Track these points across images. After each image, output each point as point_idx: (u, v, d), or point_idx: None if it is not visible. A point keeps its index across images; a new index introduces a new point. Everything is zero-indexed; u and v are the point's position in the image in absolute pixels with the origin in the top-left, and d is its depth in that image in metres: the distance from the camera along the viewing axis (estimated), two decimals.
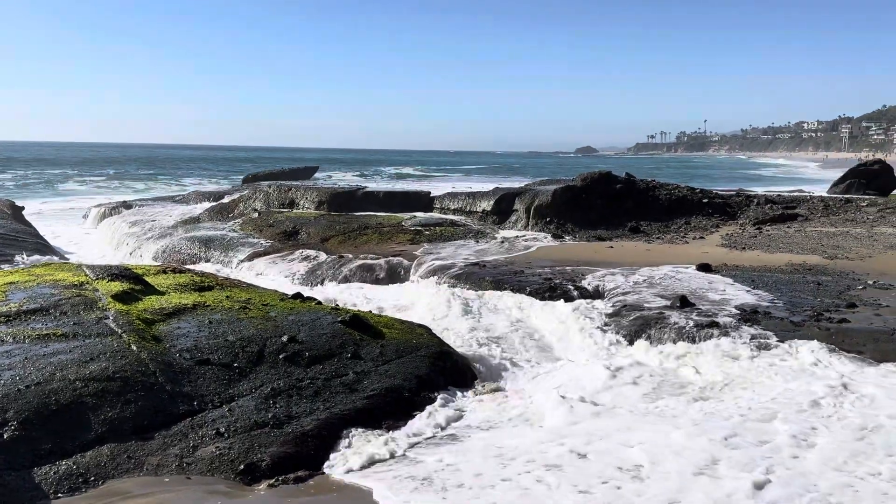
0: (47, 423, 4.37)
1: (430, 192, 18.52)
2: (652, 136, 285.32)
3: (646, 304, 8.31)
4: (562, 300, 8.82)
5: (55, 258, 11.59)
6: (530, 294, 9.10)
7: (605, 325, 7.91)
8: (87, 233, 18.67)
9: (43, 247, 13.13)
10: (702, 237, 13.70)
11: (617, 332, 7.69)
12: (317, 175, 40.45)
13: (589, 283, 9.50)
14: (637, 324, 7.71)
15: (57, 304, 6.30)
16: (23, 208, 17.41)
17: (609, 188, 15.95)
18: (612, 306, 8.57)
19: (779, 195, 19.89)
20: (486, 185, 20.32)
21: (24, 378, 4.72)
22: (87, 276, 7.51)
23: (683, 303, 8.15)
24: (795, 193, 21.94)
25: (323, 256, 12.50)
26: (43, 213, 22.29)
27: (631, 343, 7.42)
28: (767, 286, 8.97)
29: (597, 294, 9.14)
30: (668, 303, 8.29)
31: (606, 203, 15.50)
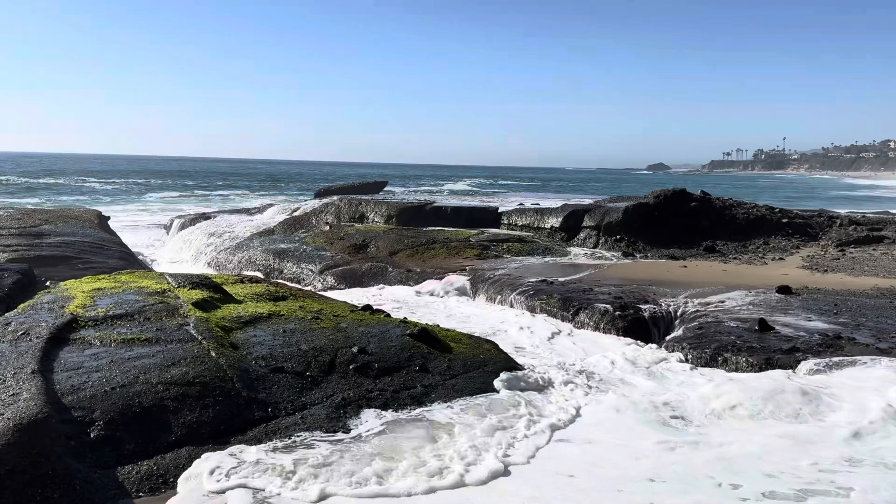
0: (130, 424, 4.55)
1: (497, 208, 18.52)
2: (728, 154, 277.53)
3: (721, 327, 8.06)
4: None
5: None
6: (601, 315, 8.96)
7: (675, 347, 7.71)
8: (168, 242, 19.44)
9: (127, 255, 13.74)
10: (781, 258, 13.23)
11: (687, 356, 7.48)
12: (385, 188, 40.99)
13: (661, 303, 9.29)
14: (712, 348, 7.48)
15: (141, 310, 6.58)
16: (108, 218, 18.25)
17: (683, 206, 15.61)
18: (685, 328, 8.36)
19: (863, 216, 19.01)
20: (555, 202, 20.18)
21: (110, 380, 4.93)
22: (169, 283, 7.83)
23: (762, 326, 7.88)
24: (882, 215, 20.92)
25: (391, 270, 12.65)
26: (127, 223, 23.31)
27: (704, 367, 7.21)
28: (851, 311, 8.58)
29: (669, 315, 8.92)
30: (746, 326, 8.02)
31: (680, 221, 15.16)
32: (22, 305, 6.72)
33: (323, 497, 4.12)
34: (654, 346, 8.10)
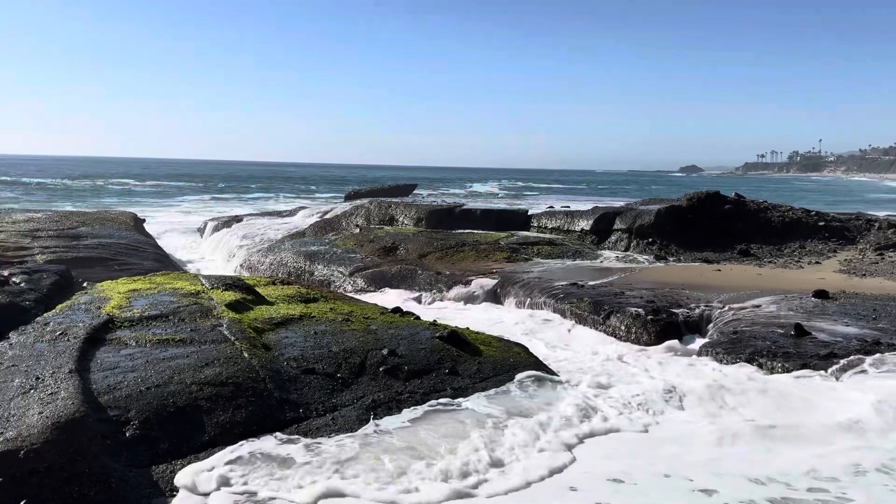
0: (165, 423, 4.61)
1: (527, 210, 18.46)
2: (762, 156, 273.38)
3: (756, 332, 7.92)
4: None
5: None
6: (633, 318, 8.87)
7: (708, 352, 7.60)
8: (201, 244, 19.72)
9: (162, 257, 13.97)
10: (818, 262, 12.97)
11: (721, 360, 7.36)
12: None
13: (694, 307, 9.16)
14: (746, 352, 7.35)
15: (175, 311, 6.68)
16: (144, 220, 18.58)
17: (717, 209, 15.39)
18: (719, 332, 8.23)
19: None
20: (584, 205, 20.05)
21: (146, 380, 5.01)
22: (203, 285, 7.93)
23: (798, 331, 7.72)
24: None
25: (420, 272, 12.66)
26: (160, 225, 23.69)
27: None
28: (891, 316, 8.37)
29: (703, 319, 8.80)
30: (782, 331, 7.87)
31: (714, 224, 14.95)
32: (60, 306, 6.86)
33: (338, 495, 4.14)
34: (686, 350, 7.99)
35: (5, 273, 7.33)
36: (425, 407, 5.51)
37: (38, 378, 4.78)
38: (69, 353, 5.30)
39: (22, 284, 7.05)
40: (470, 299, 11.22)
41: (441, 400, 5.67)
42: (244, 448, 4.55)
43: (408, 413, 5.39)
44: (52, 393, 4.52)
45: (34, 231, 13.56)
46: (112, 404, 4.64)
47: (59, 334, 5.79)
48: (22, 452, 3.83)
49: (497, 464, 4.67)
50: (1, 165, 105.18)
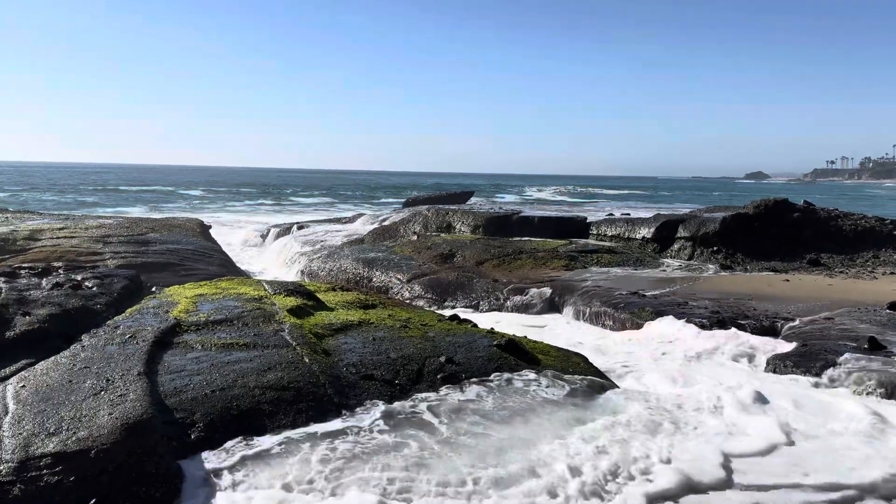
0: (228, 426, 4.70)
1: (585, 218, 18.21)
2: (832, 162, 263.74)
3: (827, 345, 7.60)
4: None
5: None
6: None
7: (777, 366, 7.33)
8: (265, 250, 20.15)
9: (226, 262, 14.31)
10: (893, 273, 12.38)
11: (791, 375, 7.08)
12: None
13: (762, 317, 8.86)
14: (818, 366, 7.07)
15: (240, 315, 6.82)
16: (210, 227, 19.09)
17: (785, 216, 14.88)
18: (789, 345, 7.93)
19: None
20: (645, 212, 19.67)
21: (211, 383, 5.12)
22: (266, 290, 8.09)
23: (873, 345, 7.38)
24: None
25: (477, 280, 12.63)
26: (224, 231, 24.31)
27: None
28: None
29: (771, 330, 8.49)
30: (855, 344, 7.54)
31: (782, 232, 14.46)
32: (129, 310, 7.10)
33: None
34: (754, 363, 7.72)
35: (78, 277, 7.62)
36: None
37: (108, 380, 4.94)
38: (138, 355, 5.46)
39: (94, 288, 7.32)
40: (527, 307, 11.12)
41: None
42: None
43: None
44: (121, 395, 4.66)
45: (105, 237, 14.07)
46: (178, 406, 4.75)
47: (129, 337, 5.98)
48: (93, 452, 3.96)
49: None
50: (78, 174, 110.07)
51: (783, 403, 6.08)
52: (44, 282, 7.28)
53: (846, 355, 7.10)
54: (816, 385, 6.82)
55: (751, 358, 7.75)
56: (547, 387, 6.05)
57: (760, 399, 6.15)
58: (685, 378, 6.92)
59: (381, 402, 5.35)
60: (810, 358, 7.27)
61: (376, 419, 5.05)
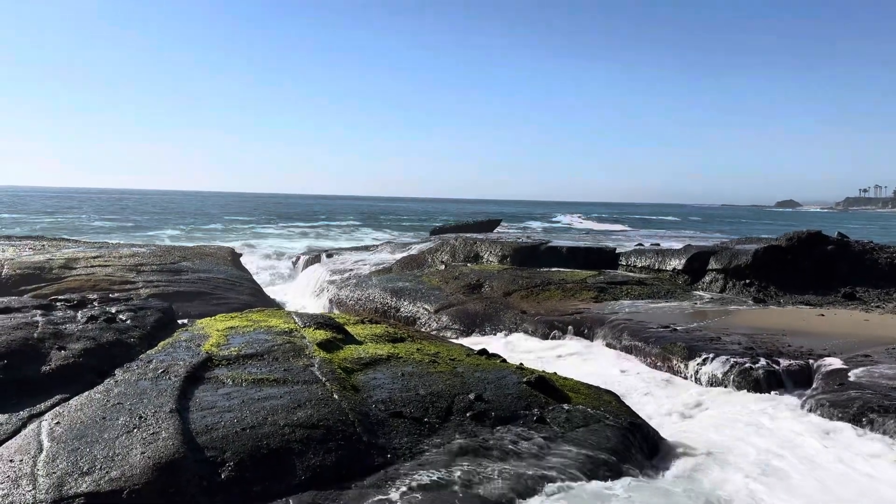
0: (258, 465, 4.70)
1: (615, 249, 18.08)
2: (865, 190, 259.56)
3: (865, 383, 7.41)
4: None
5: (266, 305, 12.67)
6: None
7: (812, 405, 7.15)
8: (295, 278, 20.31)
9: (257, 291, 14.45)
10: None
11: (830, 417, 6.90)
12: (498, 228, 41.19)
13: (797, 354, 8.67)
14: (855, 406, 6.88)
15: (270, 349, 6.86)
16: (241, 255, 19.32)
17: (818, 249, 14.62)
18: (824, 384, 7.75)
19: None
20: (675, 243, 19.49)
21: (241, 421, 5.14)
22: (296, 323, 8.13)
23: None
24: None
25: (505, 311, 12.57)
26: (255, 258, 24.55)
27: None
28: None
29: (807, 369, 8.31)
30: (894, 384, 7.33)
31: (816, 266, 14.21)
32: (162, 343, 7.18)
33: None
34: (791, 403, 7.55)
35: (113, 310, 7.74)
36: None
37: (141, 417, 4.98)
38: (170, 391, 5.51)
39: (128, 321, 7.43)
40: (556, 340, 11.03)
41: None
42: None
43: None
44: (153, 433, 4.69)
45: (138, 265, 14.31)
46: (209, 445, 4.77)
47: (161, 372, 6.03)
48: (125, 493, 3.99)
49: None
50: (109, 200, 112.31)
51: None
52: (79, 314, 7.41)
53: None
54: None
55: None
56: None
57: None
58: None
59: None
60: (845, 397, 7.08)
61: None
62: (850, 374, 7.87)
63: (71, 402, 5.38)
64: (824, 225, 18.15)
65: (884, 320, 11.03)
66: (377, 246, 24.71)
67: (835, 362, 8.31)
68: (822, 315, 11.52)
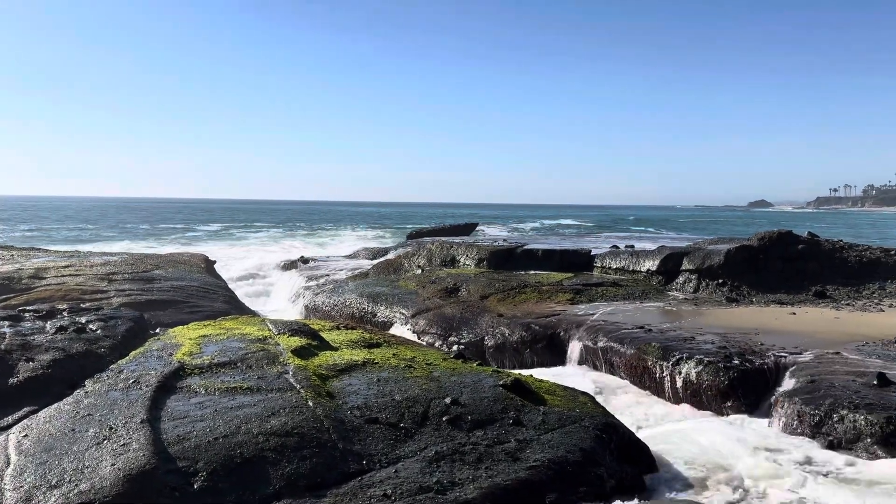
0: (232, 475, 4.65)
1: (590, 251, 18.18)
2: (835, 190, 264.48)
3: (835, 381, 7.53)
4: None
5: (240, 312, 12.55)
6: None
7: (784, 403, 7.26)
8: (270, 285, 20.14)
9: (231, 299, 14.30)
10: None
11: (798, 417, 7.01)
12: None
13: (769, 353, 8.79)
14: (826, 404, 6.99)
15: (243, 357, 6.80)
16: (215, 262, 19.12)
17: (789, 249, 14.85)
18: (796, 381, 7.86)
19: None
20: (650, 244, 19.65)
21: (214, 430, 5.08)
22: (270, 330, 8.07)
23: (882, 381, 7.30)
24: None
25: (482, 314, 12.59)
26: (230, 265, 24.31)
27: (817, 428, 6.75)
28: None
29: (778, 366, 8.42)
30: (863, 380, 7.46)
31: (787, 265, 14.42)
32: (133, 353, 7.08)
33: None
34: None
35: (83, 320, 7.63)
36: None
37: (111, 428, 4.91)
38: (141, 402, 5.44)
39: (98, 331, 7.32)
40: (532, 343, 11.06)
41: None
42: None
43: None
44: (124, 444, 4.63)
45: (110, 274, 14.09)
46: (181, 455, 4.71)
47: (133, 382, 5.95)
48: None
49: None
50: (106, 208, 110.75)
51: None
52: (48, 325, 7.29)
53: None
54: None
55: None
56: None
57: None
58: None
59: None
60: (816, 395, 7.19)
61: None
62: (819, 371, 8.00)
63: (39, 414, 5.29)
64: (797, 224, 18.43)
65: (853, 318, 11.22)
66: (354, 253, 24.62)
67: (805, 359, 8.43)
68: (794, 313, 11.68)
